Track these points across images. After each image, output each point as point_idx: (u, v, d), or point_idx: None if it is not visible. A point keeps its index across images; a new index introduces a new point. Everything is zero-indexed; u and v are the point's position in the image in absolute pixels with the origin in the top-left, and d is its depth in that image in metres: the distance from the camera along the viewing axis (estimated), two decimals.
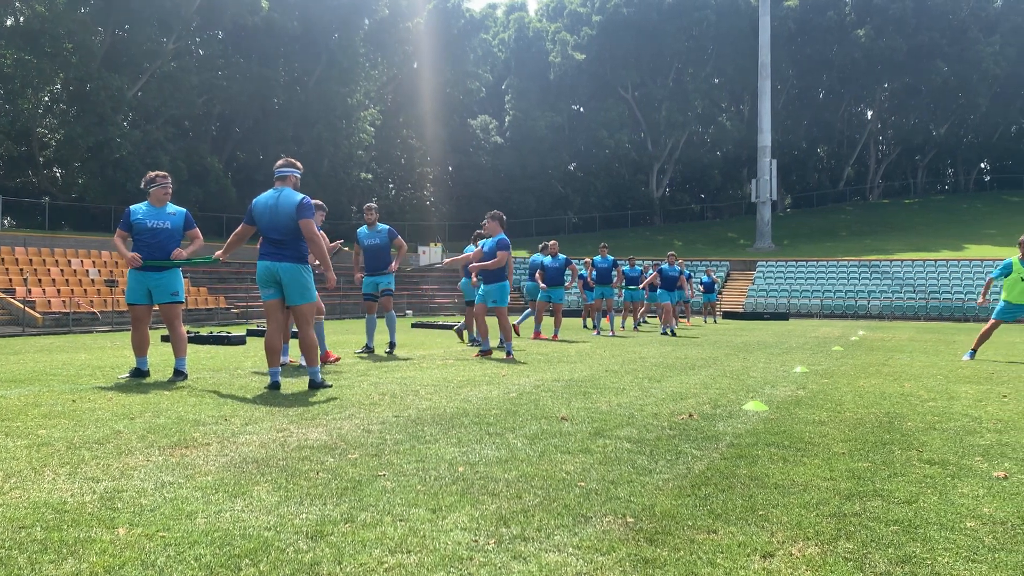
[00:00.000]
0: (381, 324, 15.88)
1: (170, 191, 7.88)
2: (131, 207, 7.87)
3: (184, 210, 8.00)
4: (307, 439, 4.67)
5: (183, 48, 41.41)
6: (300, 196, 7.01)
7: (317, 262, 7.58)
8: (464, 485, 3.66)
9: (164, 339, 13.65)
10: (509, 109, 60.36)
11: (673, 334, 17.48)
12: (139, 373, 7.81)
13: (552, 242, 16.22)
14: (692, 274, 29.86)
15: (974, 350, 11.64)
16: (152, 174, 7.89)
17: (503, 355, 10.63)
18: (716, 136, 66.51)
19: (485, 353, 10.66)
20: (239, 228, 7.34)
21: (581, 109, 64.94)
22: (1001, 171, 72.28)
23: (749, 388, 7.53)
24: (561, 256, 15.87)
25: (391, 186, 58.59)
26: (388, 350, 11.16)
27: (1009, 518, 3.29)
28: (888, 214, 60.29)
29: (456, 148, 56.80)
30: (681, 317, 26.01)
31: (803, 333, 19.44)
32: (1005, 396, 7.18)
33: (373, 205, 11.28)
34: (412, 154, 55.21)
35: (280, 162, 7.24)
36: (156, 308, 7.96)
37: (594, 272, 17.90)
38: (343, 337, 15.78)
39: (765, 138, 49.53)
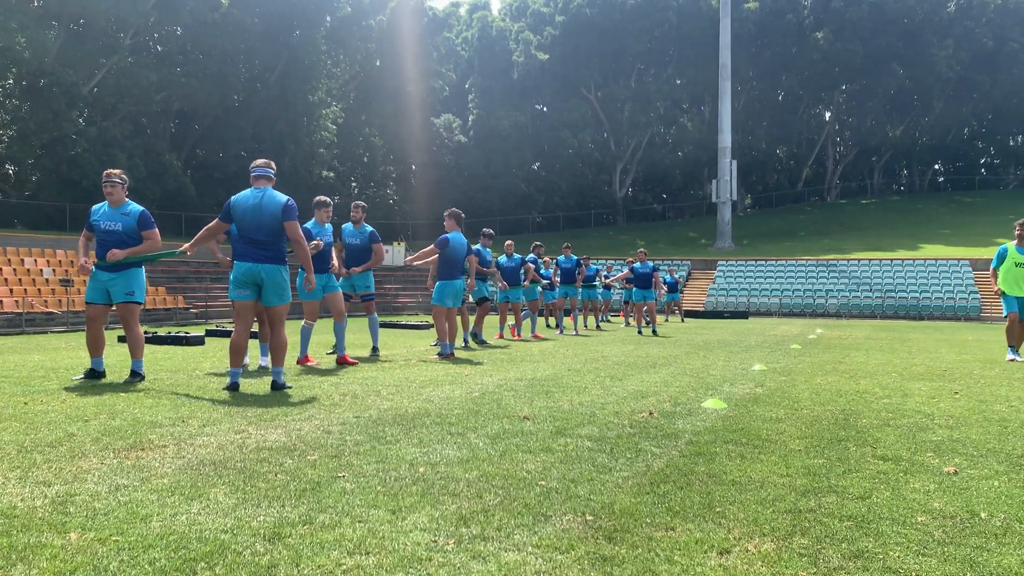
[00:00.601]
0: (353, 325, 15.76)
1: (117, 188, 7.56)
2: (93, 207, 7.70)
3: (140, 209, 7.71)
4: (266, 440, 4.62)
5: (141, 44, 40.71)
6: (285, 197, 6.94)
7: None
8: (425, 485, 3.65)
9: (121, 339, 13.42)
10: (473, 108, 60.28)
11: (654, 332, 17.43)
12: (94, 374, 7.63)
13: (508, 242, 16.21)
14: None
15: (1014, 348, 11.19)
16: (106, 172, 7.70)
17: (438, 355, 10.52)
18: (678, 137, 67.09)
19: (445, 356, 10.50)
20: (212, 223, 7.22)
21: (545, 109, 65.06)
22: (954, 172, 73.93)
23: (709, 386, 7.61)
24: (517, 256, 15.85)
25: (354, 184, 58.18)
26: (372, 354, 10.92)
27: (958, 512, 3.37)
28: (845, 214, 61.31)
29: (419, 147, 56.55)
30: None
31: (762, 331, 19.69)
32: (956, 393, 7.34)
33: (361, 204, 11.04)
34: (375, 152, 54.87)
35: (259, 161, 7.12)
36: (114, 308, 7.77)
37: (559, 271, 17.98)
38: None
39: (725, 139, 50.07)
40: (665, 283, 26.22)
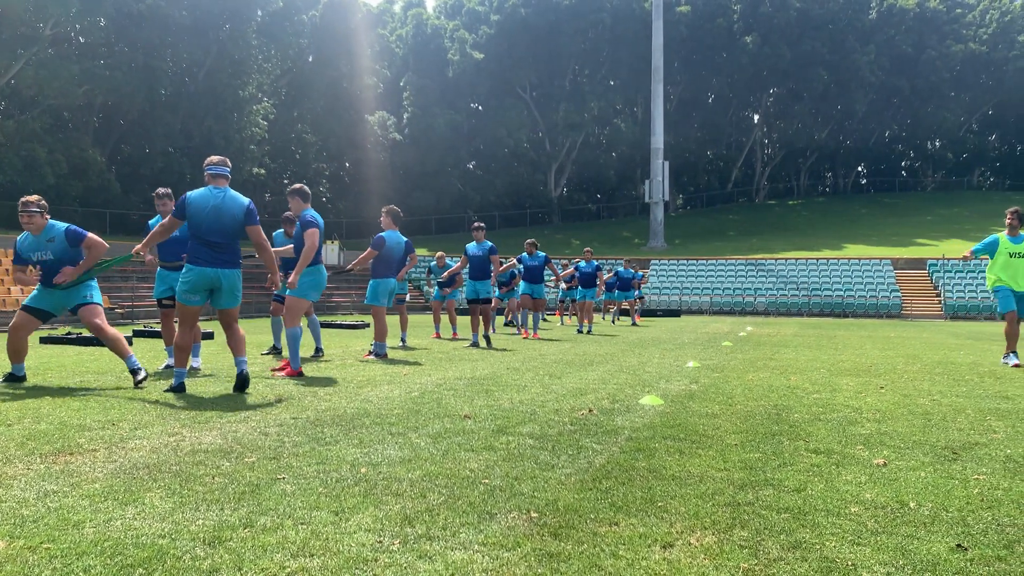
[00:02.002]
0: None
1: (35, 217, 7.02)
2: (17, 239, 7.26)
3: (63, 227, 7.19)
4: (201, 443, 4.51)
5: (62, 34, 39.29)
6: (247, 200, 6.71)
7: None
8: (367, 486, 3.62)
9: (43, 341, 12.95)
10: (408, 106, 59.93)
11: (589, 332, 17.46)
12: (13, 378, 7.30)
13: (529, 240, 16.09)
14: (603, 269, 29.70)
15: (1013, 352, 10.21)
16: (21, 200, 7.11)
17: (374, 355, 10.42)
18: (611, 137, 67.87)
19: (380, 356, 10.40)
20: (166, 221, 6.78)
21: (480, 108, 65.08)
22: (876, 174, 76.60)
23: (645, 383, 7.72)
24: (540, 254, 15.78)
25: (286, 182, 57.18)
26: (316, 355, 10.65)
27: (889, 503, 3.48)
28: (773, 215, 62.92)
29: (353, 144, 55.94)
30: (624, 315, 26.54)
31: (694, 329, 20.05)
32: (882, 387, 7.59)
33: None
34: (307, 149, 54.07)
35: (216, 159, 6.79)
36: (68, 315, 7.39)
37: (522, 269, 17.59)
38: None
39: (658, 140, 50.84)
40: (619, 280, 24.10)
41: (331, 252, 40.82)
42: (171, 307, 8.90)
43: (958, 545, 2.92)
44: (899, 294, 35.85)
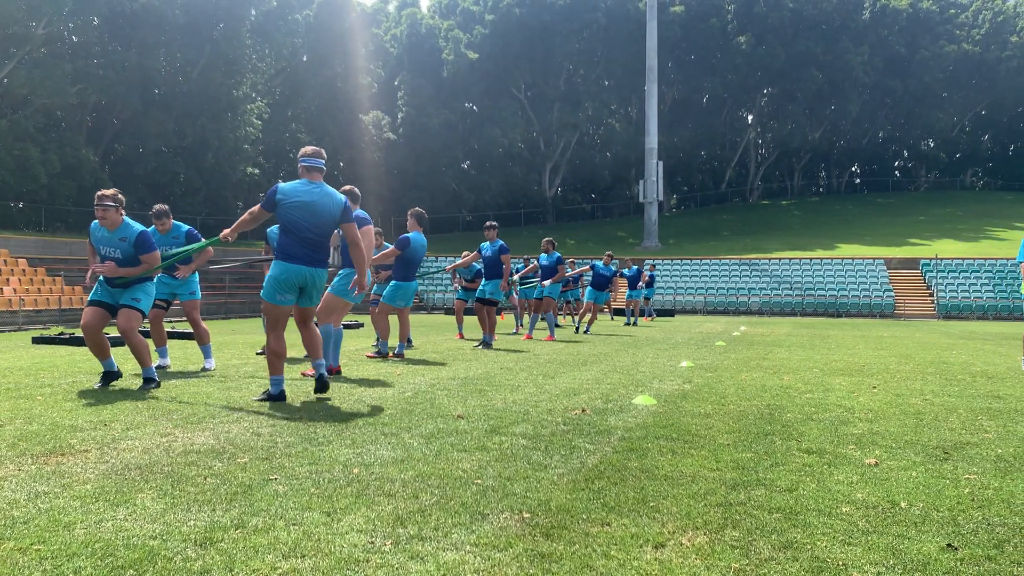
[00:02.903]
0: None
1: (110, 212, 6.87)
2: (93, 223, 7.09)
3: (137, 231, 6.97)
4: (193, 444, 4.51)
5: (55, 34, 39.09)
6: (342, 196, 6.42)
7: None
8: (359, 487, 3.61)
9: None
10: (402, 106, 59.86)
11: (587, 332, 17.31)
12: (110, 376, 7.11)
13: (547, 239, 15.80)
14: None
15: None
16: (97, 193, 6.95)
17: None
18: (605, 137, 67.90)
19: (383, 355, 10.37)
20: (255, 209, 6.40)
21: (475, 108, 65.03)
22: (870, 174, 76.81)
23: (638, 383, 7.72)
24: (555, 254, 15.36)
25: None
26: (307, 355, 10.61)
27: (880, 502, 3.49)
28: (767, 214, 63.01)
29: (347, 144, 55.84)
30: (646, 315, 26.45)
31: (688, 329, 20.08)
32: (875, 387, 7.62)
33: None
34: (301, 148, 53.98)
35: (310, 150, 6.48)
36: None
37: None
38: (229, 338, 15.31)
39: (652, 140, 50.88)
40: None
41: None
42: (163, 308, 9.03)
43: (948, 545, 2.93)
44: (892, 294, 35.95)
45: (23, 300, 21.75)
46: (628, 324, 22.48)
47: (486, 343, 12.40)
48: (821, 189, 78.68)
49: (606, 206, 71.26)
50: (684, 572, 2.64)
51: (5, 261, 24.26)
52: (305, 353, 10.65)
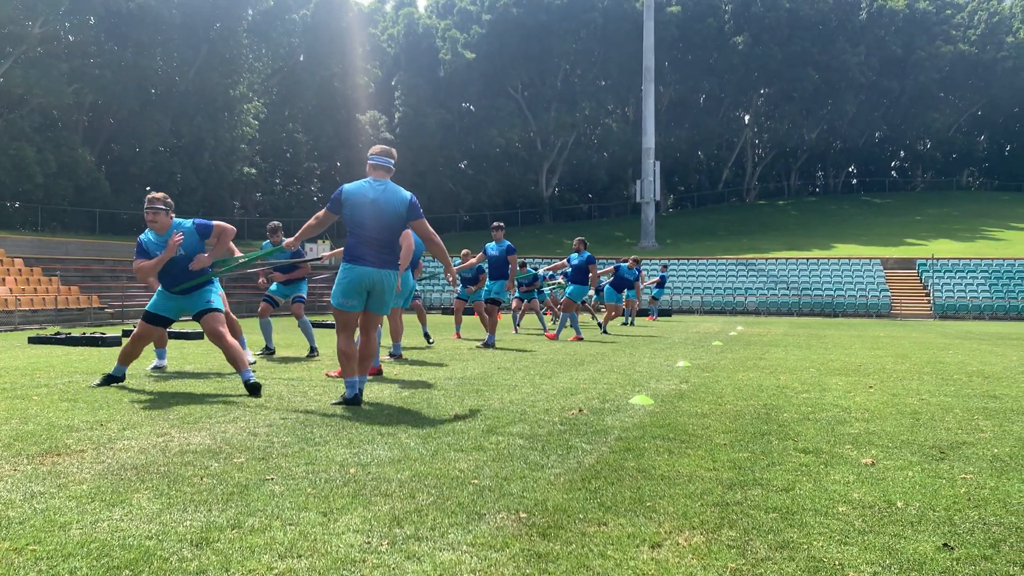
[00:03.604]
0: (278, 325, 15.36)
1: (160, 216, 6.79)
2: (140, 237, 6.98)
3: (190, 224, 6.90)
4: (189, 444, 4.50)
5: (51, 33, 39.06)
6: (408, 193, 6.16)
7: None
8: (356, 487, 3.61)
9: (32, 341, 12.88)
10: (399, 105, 59.84)
11: (605, 332, 17.00)
12: (112, 379, 7.02)
13: (578, 239, 15.64)
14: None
15: None
16: (148, 196, 6.84)
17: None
18: (602, 137, 67.95)
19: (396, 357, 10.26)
20: (321, 214, 6.16)
21: (472, 107, 65.05)
22: (866, 174, 76.94)
23: (635, 382, 7.73)
24: (586, 253, 14.98)
25: (277, 181, 57.14)
26: (311, 354, 10.53)
27: (876, 502, 3.50)
28: (763, 214, 63.07)
29: (344, 143, 55.81)
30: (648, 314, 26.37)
31: (685, 329, 20.09)
32: (871, 387, 7.62)
33: (278, 224, 10.63)
34: (299, 149, 53.95)
35: (379, 149, 6.25)
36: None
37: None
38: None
39: (649, 140, 50.90)
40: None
41: (321, 250, 40.71)
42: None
43: (945, 544, 2.94)
44: (888, 294, 36.01)
45: (19, 300, 21.71)
46: (625, 324, 22.47)
47: (488, 343, 12.40)
48: (818, 189, 78.79)
49: (603, 206, 71.29)
50: (681, 572, 2.64)
51: (1, 261, 24.22)
52: (308, 352, 10.64)
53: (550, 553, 2.78)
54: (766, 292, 37.31)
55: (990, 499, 3.58)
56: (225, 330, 6.78)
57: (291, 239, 6.52)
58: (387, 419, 5.39)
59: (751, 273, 39.62)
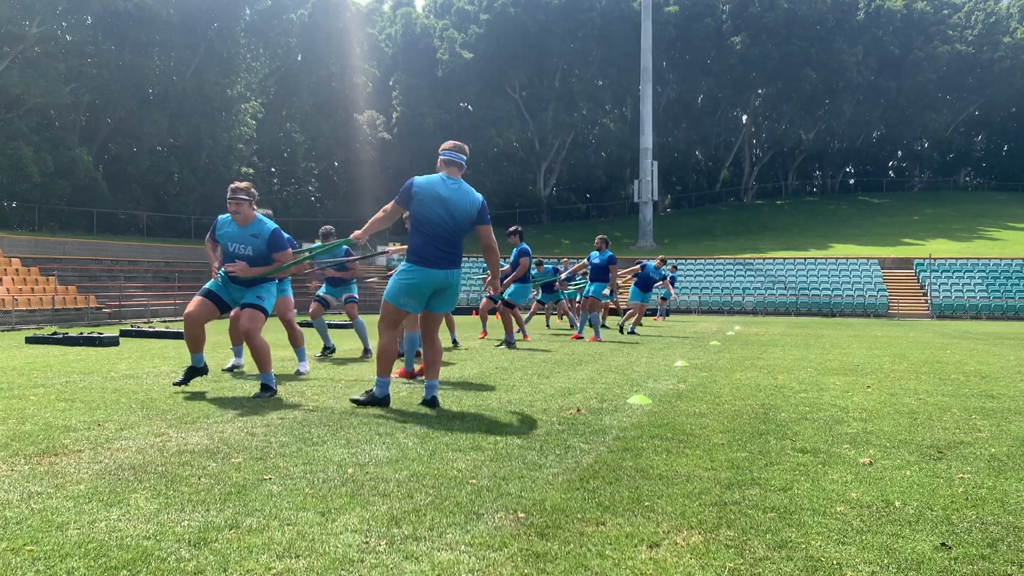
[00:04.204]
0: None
1: (243, 206, 6.46)
2: (220, 217, 6.70)
3: (271, 229, 6.55)
4: (187, 443, 4.50)
5: (48, 32, 39.00)
6: (479, 196, 5.96)
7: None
8: (354, 487, 3.61)
9: (29, 340, 12.86)
10: (397, 105, 59.85)
11: (632, 332, 16.93)
12: (195, 372, 6.77)
13: (600, 236, 15.33)
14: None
15: None
16: (231, 186, 6.54)
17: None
18: (600, 137, 67.96)
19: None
20: (389, 207, 5.89)
21: (469, 107, 65.04)
22: (864, 174, 76.99)
23: (633, 382, 7.73)
24: (607, 252, 14.82)
25: (275, 181, 57.07)
26: (364, 355, 10.50)
27: (874, 502, 3.50)
28: (761, 214, 63.10)
29: (342, 143, 55.82)
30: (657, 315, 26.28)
31: (683, 328, 20.09)
32: (869, 387, 7.63)
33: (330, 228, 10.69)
34: (296, 148, 53.92)
35: (451, 144, 6.01)
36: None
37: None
38: (223, 338, 15.25)
39: (647, 140, 50.92)
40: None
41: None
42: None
43: (942, 544, 2.94)
44: (886, 293, 36.05)
45: (16, 300, 21.69)
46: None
47: (509, 343, 12.38)
48: (815, 189, 78.84)
49: (601, 206, 71.29)
50: (679, 571, 2.64)
51: None
52: (362, 352, 10.57)
53: (548, 553, 2.78)
54: (764, 292, 37.34)
55: (987, 498, 3.59)
56: (257, 330, 6.49)
57: (359, 232, 6.19)
58: (385, 419, 5.39)
59: (749, 273, 39.65)
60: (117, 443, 4.48)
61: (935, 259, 37.71)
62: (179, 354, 10.61)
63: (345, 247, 8.20)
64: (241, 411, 5.66)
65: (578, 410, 5.89)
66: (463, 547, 2.82)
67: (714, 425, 5.35)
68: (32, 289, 23.49)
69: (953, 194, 69.50)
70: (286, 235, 6.89)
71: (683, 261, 42.07)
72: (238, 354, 8.74)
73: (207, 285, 6.71)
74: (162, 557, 2.67)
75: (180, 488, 3.53)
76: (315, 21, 53.37)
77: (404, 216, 6.24)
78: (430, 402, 5.93)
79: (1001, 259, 37.72)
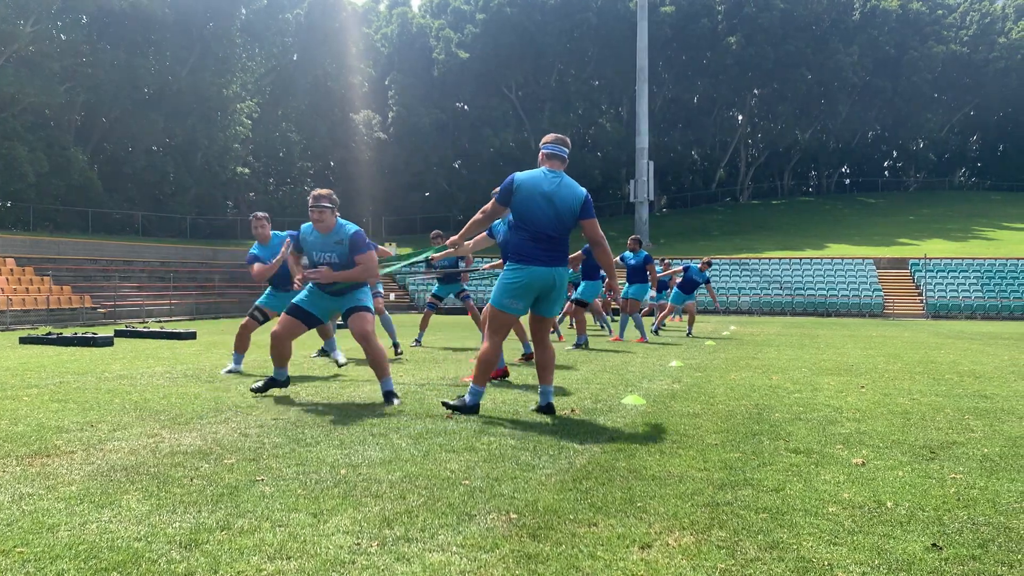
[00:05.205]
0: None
1: (326, 214, 6.19)
2: (303, 227, 6.43)
3: (352, 231, 6.26)
4: (180, 444, 4.49)
5: (43, 32, 38.88)
6: (583, 190, 5.69)
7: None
8: (346, 488, 3.60)
9: (23, 341, 12.82)
10: (393, 105, 59.78)
11: (690, 335, 16.94)
12: (274, 383, 6.53)
13: (633, 236, 15.12)
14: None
15: None
16: (312, 193, 6.29)
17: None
18: (596, 137, 67.94)
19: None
20: (488, 206, 5.67)
21: (465, 107, 64.99)
22: (859, 174, 77.11)
23: (628, 382, 7.73)
24: (643, 252, 14.79)
25: (271, 181, 57.02)
26: (396, 352, 10.54)
27: (866, 502, 3.51)
28: (757, 214, 63.16)
29: (338, 143, 55.76)
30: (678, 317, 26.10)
31: (678, 328, 20.09)
32: (863, 387, 7.64)
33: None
34: (292, 148, 53.87)
35: (551, 137, 5.80)
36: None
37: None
38: (219, 338, 15.26)
39: (643, 140, 50.92)
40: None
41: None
42: (262, 320, 8.55)
43: (933, 544, 2.94)
44: (881, 293, 36.10)
45: (11, 300, 21.63)
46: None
47: (580, 343, 12.28)
48: (811, 189, 78.94)
49: (597, 206, 69.33)
50: (670, 572, 2.64)
51: None
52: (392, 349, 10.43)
53: (540, 554, 2.78)
54: (759, 292, 37.37)
55: (979, 499, 3.59)
56: (372, 331, 6.25)
57: (456, 237, 6.00)
58: (379, 420, 5.38)
59: (744, 273, 39.68)
60: (110, 444, 4.48)
61: (930, 259, 37.78)
62: (173, 354, 10.60)
63: (427, 255, 7.98)
64: (234, 412, 5.66)
65: (572, 410, 5.89)
66: (455, 548, 2.82)
67: (708, 425, 5.35)
68: (27, 289, 23.44)
69: (948, 194, 69.65)
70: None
71: (679, 261, 42.06)
72: (237, 361, 8.56)
73: (295, 299, 6.47)
74: (153, 559, 2.66)
75: (172, 489, 3.53)
76: (311, 21, 53.32)
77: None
78: (545, 408, 5.71)
79: (996, 259, 37.80)
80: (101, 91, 40.48)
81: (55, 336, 12.79)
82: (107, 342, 12.54)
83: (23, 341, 12.83)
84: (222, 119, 46.26)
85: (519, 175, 5.56)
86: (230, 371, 8.39)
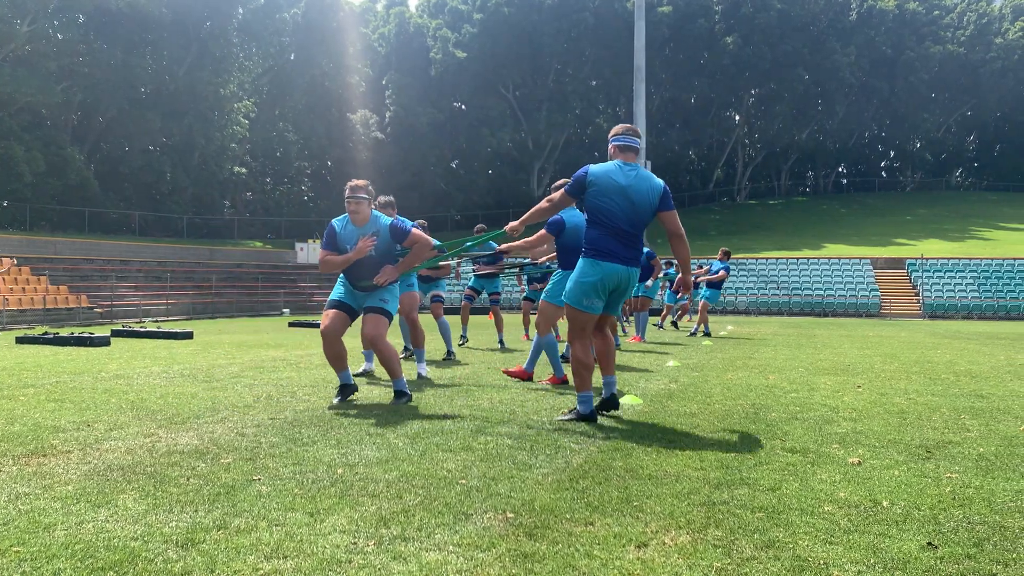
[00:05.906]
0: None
1: (363, 205, 6.02)
2: (333, 221, 6.25)
3: (389, 221, 6.14)
4: (177, 444, 4.49)
5: (39, 31, 38.86)
6: (661, 181, 5.42)
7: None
8: (343, 487, 3.61)
9: (20, 341, 12.80)
10: (390, 105, 59.74)
11: (707, 335, 16.84)
12: (348, 389, 6.25)
13: None
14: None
15: None
16: (349, 184, 6.13)
17: None
18: (594, 137, 67.94)
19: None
20: (556, 196, 5.47)
21: (463, 107, 64.96)
22: (856, 174, 77.26)
23: (625, 382, 7.73)
24: (646, 249, 14.10)
25: (268, 180, 56.99)
26: (448, 357, 10.13)
27: (862, 501, 3.51)
28: (754, 215, 63.23)
29: (335, 142, 55.73)
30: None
31: (677, 328, 20.10)
32: (859, 387, 7.65)
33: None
34: (289, 148, 53.84)
35: (621, 128, 5.52)
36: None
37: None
38: (216, 338, 15.25)
39: (640, 140, 51.00)
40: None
41: (313, 251, 40.62)
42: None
43: (929, 543, 2.95)
44: (878, 293, 36.15)
45: (7, 300, 21.60)
46: (659, 327, 21.69)
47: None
48: (808, 189, 79.04)
49: None
50: (666, 571, 2.65)
51: None
52: (444, 354, 10.24)
53: (536, 553, 2.78)
54: (756, 292, 37.41)
55: (975, 498, 3.60)
56: (383, 335, 6.06)
57: (515, 223, 5.72)
58: (376, 419, 5.38)
59: (741, 273, 39.71)
60: (106, 444, 4.47)
61: (927, 259, 37.83)
62: (169, 354, 10.59)
63: (492, 242, 7.73)
64: (231, 412, 5.66)
65: (570, 410, 5.89)
66: (451, 547, 2.82)
67: (705, 425, 5.36)
68: (23, 289, 23.41)
69: (945, 194, 69.74)
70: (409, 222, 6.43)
71: (676, 261, 42.09)
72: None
73: (333, 295, 6.29)
74: (149, 558, 2.66)
75: (169, 489, 3.53)
76: (308, 20, 53.28)
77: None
78: (608, 401, 5.61)
79: (993, 259, 37.88)
80: (98, 90, 40.44)
81: (51, 336, 12.78)
82: (104, 342, 12.53)
83: (19, 341, 12.82)
84: (219, 119, 46.23)
85: (593, 168, 5.30)
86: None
